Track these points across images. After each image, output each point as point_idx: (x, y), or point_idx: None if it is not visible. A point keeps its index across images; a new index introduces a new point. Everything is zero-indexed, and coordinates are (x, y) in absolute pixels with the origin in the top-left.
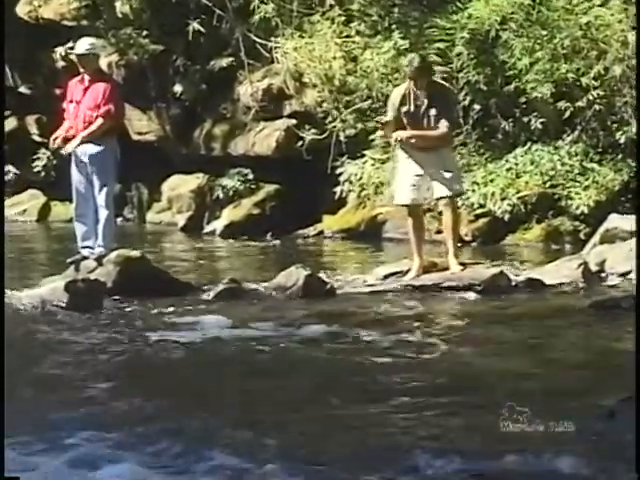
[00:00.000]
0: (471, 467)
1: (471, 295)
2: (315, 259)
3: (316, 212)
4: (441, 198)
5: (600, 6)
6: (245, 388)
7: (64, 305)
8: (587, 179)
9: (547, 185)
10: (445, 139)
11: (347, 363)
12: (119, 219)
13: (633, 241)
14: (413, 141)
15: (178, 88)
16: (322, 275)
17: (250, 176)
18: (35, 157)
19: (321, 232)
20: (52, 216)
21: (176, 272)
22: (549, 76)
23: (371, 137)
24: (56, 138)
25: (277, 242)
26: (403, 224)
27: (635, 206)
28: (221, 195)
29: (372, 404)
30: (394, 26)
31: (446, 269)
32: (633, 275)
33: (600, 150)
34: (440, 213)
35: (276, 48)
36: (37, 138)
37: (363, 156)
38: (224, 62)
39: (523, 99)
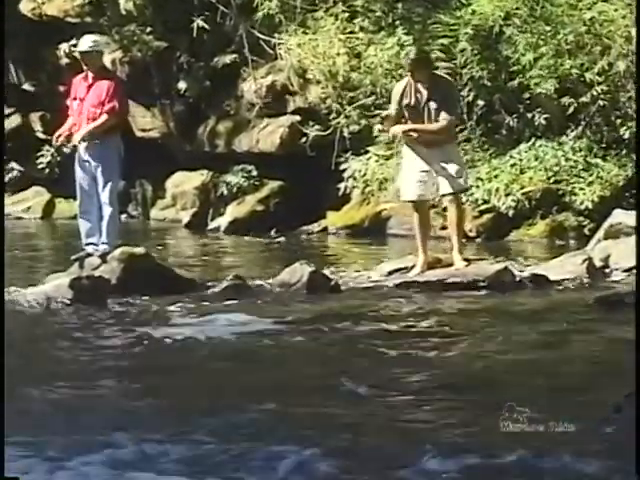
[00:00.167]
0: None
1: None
2: (319, 255)
3: (320, 208)
4: (446, 194)
5: (604, 1)
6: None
7: (68, 302)
8: (591, 175)
9: (551, 181)
10: (445, 132)
11: (358, 357)
12: (123, 216)
13: None
14: (415, 135)
15: (182, 85)
16: (326, 271)
17: (254, 173)
18: (39, 154)
19: (325, 228)
20: (56, 213)
21: (180, 269)
22: (553, 72)
23: (375, 133)
24: (60, 135)
25: (281, 238)
26: (407, 220)
27: (636, 203)
28: (225, 192)
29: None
30: (398, 22)
31: (450, 265)
32: None
33: (604, 145)
34: (444, 209)
35: (280, 44)
36: (41, 135)
37: (367, 152)
38: (228, 59)
39: (527, 95)
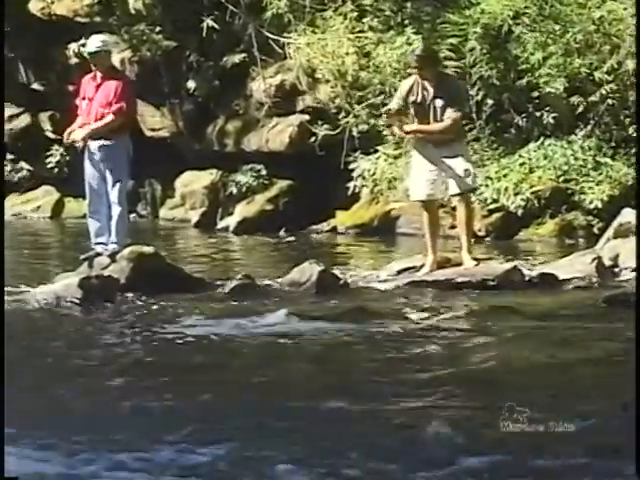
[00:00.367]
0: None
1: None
2: (328, 255)
3: (329, 208)
4: (455, 193)
5: (613, 0)
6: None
7: (78, 301)
8: (600, 174)
9: (560, 180)
10: (450, 131)
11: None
12: (132, 215)
13: None
14: (420, 136)
15: (191, 84)
16: (335, 270)
17: (263, 172)
18: (49, 154)
19: (334, 228)
20: (66, 212)
21: (189, 268)
22: (562, 71)
23: (384, 132)
24: (71, 132)
25: (290, 238)
26: (416, 219)
27: (636, 204)
28: (234, 191)
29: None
30: (407, 21)
31: (460, 264)
32: None
33: (613, 145)
34: (454, 208)
35: (289, 44)
36: (50, 135)
37: (376, 151)
38: (237, 58)
39: (536, 94)
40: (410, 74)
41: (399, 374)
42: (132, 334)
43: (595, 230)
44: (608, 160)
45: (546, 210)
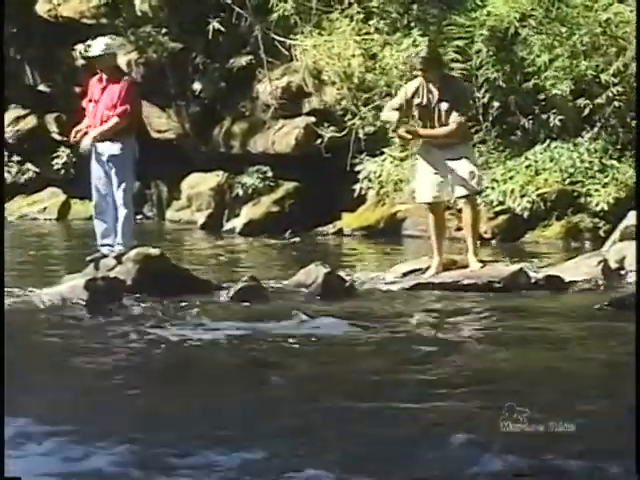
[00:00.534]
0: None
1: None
2: (334, 257)
3: (335, 210)
4: (461, 196)
5: (620, 2)
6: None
7: (84, 303)
8: (607, 176)
9: (566, 182)
10: (456, 135)
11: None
12: (139, 217)
13: None
14: (426, 139)
15: (197, 86)
16: (341, 273)
17: (269, 174)
18: (55, 155)
19: (340, 230)
20: (72, 214)
21: (196, 270)
22: (568, 73)
23: (390, 134)
24: (78, 131)
25: (296, 240)
26: (422, 221)
27: (637, 205)
28: (240, 193)
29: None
30: (413, 23)
31: (466, 266)
32: None
33: (620, 147)
34: (460, 211)
35: (295, 46)
36: (57, 136)
37: (382, 153)
38: (243, 60)
39: (542, 96)
40: (415, 76)
41: (405, 376)
42: (138, 336)
43: (601, 232)
44: (614, 162)
45: (552, 212)
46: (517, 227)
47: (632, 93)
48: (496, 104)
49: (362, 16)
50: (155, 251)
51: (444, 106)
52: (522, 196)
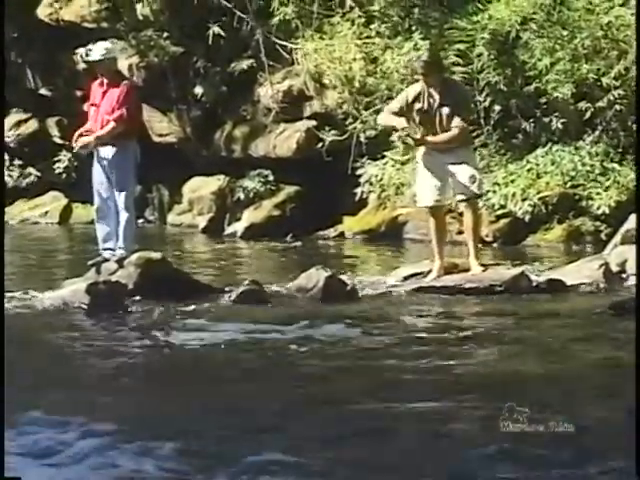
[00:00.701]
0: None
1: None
2: (336, 260)
3: (336, 213)
4: (462, 199)
5: (621, 6)
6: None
7: (85, 307)
8: (608, 179)
9: (568, 185)
10: (458, 140)
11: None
12: (140, 221)
13: None
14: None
15: (199, 90)
16: (343, 276)
17: (271, 177)
18: (56, 159)
19: (342, 233)
20: (73, 218)
21: (197, 274)
22: (570, 76)
23: (391, 138)
24: (80, 135)
25: (298, 243)
26: (424, 225)
27: (637, 208)
28: (242, 197)
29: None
30: (414, 27)
31: (467, 270)
32: None
33: (621, 150)
34: (461, 214)
35: (296, 50)
36: (58, 140)
37: (383, 157)
38: (244, 64)
39: (544, 99)
40: (416, 80)
41: (406, 378)
42: (139, 340)
43: (603, 236)
44: (615, 166)
45: (553, 216)
46: (518, 230)
47: (633, 96)
48: (497, 108)
49: (363, 20)
50: (156, 255)
51: (445, 111)
52: (523, 199)
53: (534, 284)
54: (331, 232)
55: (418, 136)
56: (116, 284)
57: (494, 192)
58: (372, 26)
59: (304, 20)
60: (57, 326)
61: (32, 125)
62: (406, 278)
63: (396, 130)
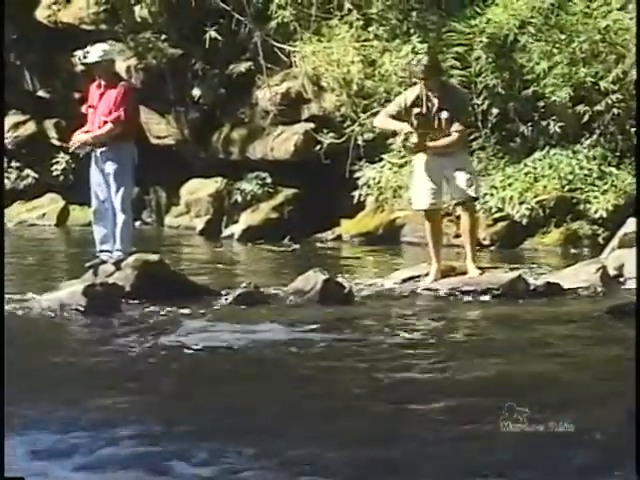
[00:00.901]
0: None
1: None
2: (333, 263)
3: (334, 216)
4: (459, 203)
5: (619, 10)
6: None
7: (82, 309)
8: (606, 183)
9: (565, 189)
10: (457, 145)
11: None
12: (137, 223)
13: None
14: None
15: (197, 92)
16: (340, 279)
17: (268, 180)
18: (54, 161)
19: (339, 236)
20: (71, 220)
21: (194, 276)
22: (567, 80)
23: (389, 141)
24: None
25: (295, 246)
26: (421, 228)
27: (636, 212)
28: (239, 199)
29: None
30: (412, 30)
31: (464, 273)
32: None
33: (619, 154)
34: (458, 217)
35: (294, 52)
36: (56, 142)
37: (381, 160)
38: (243, 66)
39: (541, 103)
40: (414, 83)
41: (406, 382)
42: (137, 342)
43: (600, 240)
44: (613, 169)
45: (551, 219)
46: (516, 234)
47: (631, 100)
48: (495, 111)
49: (361, 23)
50: (154, 257)
51: (444, 115)
52: (521, 203)
53: (531, 287)
54: (329, 235)
55: (415, 140)
56: (113, 286)
57: (492, 195)
58: (370, 29)
59: (302, 23)
60: (53, 327)
61: (30, 127)
62: (404, 281)
63: (395, 134)
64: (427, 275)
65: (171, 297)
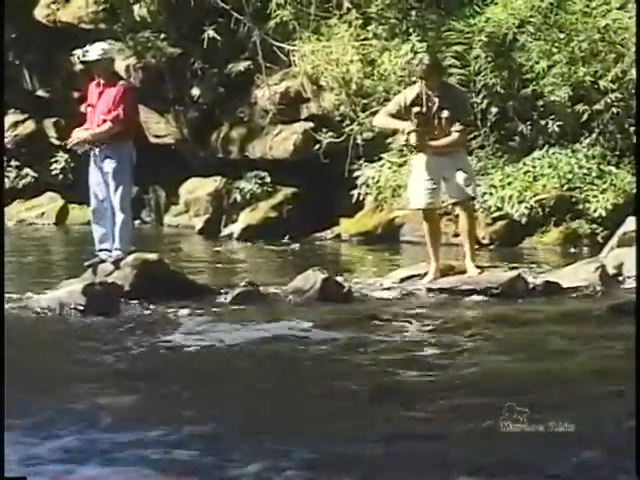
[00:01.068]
0: None
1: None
2: (332, 262)
3: (333, 215)
4: (457, 202)
5: (618, 9)
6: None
7: (82, 308)
8: (605, 182)
9: (565, 188)
10: (458, 144)
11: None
12: (137, 222)
13: None
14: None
15: (196, 91)
16: (339, 278)
17: (267, 179)
18: (53, 160)
19: (338, 235)
20: (70, 219)
21: (193, 275)
22: (567, 79)
23: (388, 140)
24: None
25: (294, 245)
26: (420, 227)
27: (636, 211)
28: (238, 198)
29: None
30: (412, 29)
31: (463, 272)
32: None
33: (618, 153)
34: (457, 216)
35: (293, 51)
36: (55, 141)
37: (380, 159)
38: (242, 66)
39: (541, 102)
40: (414, 82)
41: (407, 380)
42: (135, 341)
43: (599, 239)
44: (612, 168)
45: (550, 218)
46: (515, 233)
47: (630, 99)
48: (494, 110)
49: (360, 22)
50: (153, 256)
51: (444, 114)
52: (520, 202)
53: (530, 287)
54: (328, 234)
55: (414, 139)
56: (112, 285)
57: (491, 194)
58: (369, 28)
59: (301, 22)
60: (52, 327)
61: (29, 126)
62: (403, 280)
63: (395, 133)
64: (426, 274)
65: (170, 296)
